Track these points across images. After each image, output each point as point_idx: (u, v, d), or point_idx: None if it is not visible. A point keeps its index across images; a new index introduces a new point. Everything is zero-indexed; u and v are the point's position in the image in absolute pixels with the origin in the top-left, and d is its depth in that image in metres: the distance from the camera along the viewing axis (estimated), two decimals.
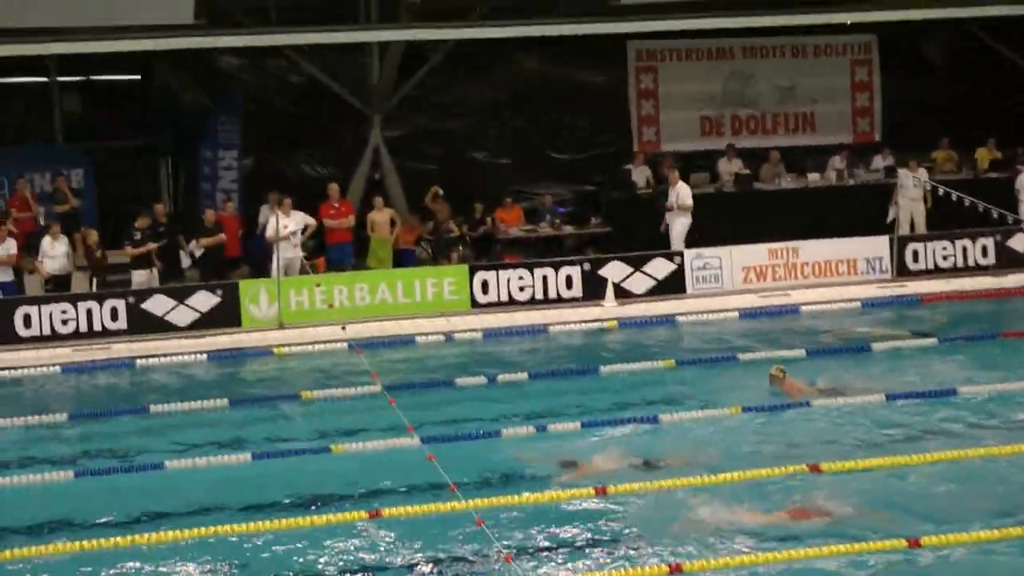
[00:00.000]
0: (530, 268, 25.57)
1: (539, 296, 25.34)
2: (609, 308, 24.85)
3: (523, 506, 13.99)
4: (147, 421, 18.54)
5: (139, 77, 31.84)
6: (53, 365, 22.01)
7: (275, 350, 22.58)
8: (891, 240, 26.57)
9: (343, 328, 23.23)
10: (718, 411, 17.35)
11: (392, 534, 13.37)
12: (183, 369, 21.87)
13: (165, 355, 22.26)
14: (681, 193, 27.06)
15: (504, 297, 25.24)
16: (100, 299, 24.06)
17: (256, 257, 27.32)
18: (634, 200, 28.98)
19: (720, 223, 27.34)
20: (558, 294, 25.38)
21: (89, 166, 29.93)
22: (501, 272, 25.43)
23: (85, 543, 13.26)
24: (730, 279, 25.92)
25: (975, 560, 12.24)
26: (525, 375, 20.00)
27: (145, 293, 24.34)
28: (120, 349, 23.10)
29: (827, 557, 12.24)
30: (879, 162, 30.44)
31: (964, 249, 26.78)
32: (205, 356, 22.30)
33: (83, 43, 25.55)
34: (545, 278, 25.42)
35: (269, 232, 25.44)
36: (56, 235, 25.11)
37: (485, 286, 25.21)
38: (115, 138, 31.90)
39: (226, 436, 17.47)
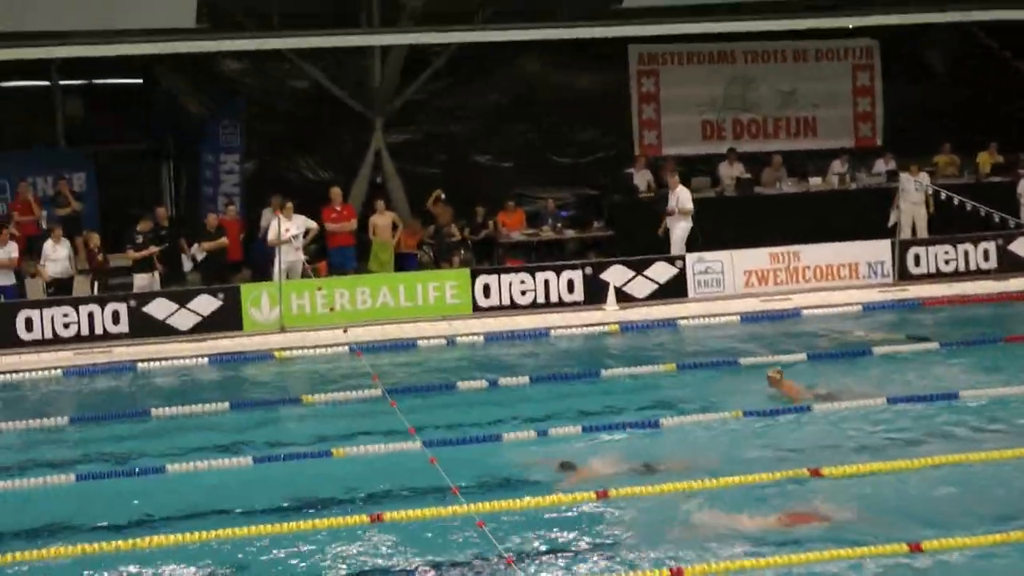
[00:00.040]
0: (532, 272, 25.58)
1: (541, 300, 25.35)
2: (611, 312, 24.85)
3: (524, 509, 13.97)
4: (148, 424, 18.54)
5: (141, 81, 31.84)
6: (55, 368, 22.00)
7: (276, 354, 22.58)
8: (893, 244, 26.57)
9: (344, 331, 23.29)
10: (719, 415, 17.34)
11: (394, 537, 13.36)
12: (184, 372, 21.86)
13: (166, 358, 22.28)
14: (681, 197, 27.06)
15: (506, 301, 25.25)
16: (102, 302, 24.07)
17: (258, 261, 27.34)
18: (636, 204, 28.99)
19: (721, 227, 27.37)
20: (560, 298, 25.39)
21: (91, 170, 30.00)
22: (503, 276, 25.44)
23: (86, 546, 13.26)
24: (731, 283, 25.94)
25: (976, 564, 12.22)
26: (527, 379, 19.99)
27: (147, 296, 24.35)
28: (121, 352, 23.11)
29: (828, 561, 12.22)
30: (881, 166, 30.44)
31: (966, 253, 26.78)
32: (206, 359, 22.29)
33: (85, 47, 25.53)
34: (547, 282, 25.43)
35: (271, 236, 25.45)
36: (58, 238, 25.14)
37: (487, 290, 25.22)
38: (117, 142, 31.93)
39: (227, 440, 17.45)
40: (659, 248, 26.78)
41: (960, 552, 12.39)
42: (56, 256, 25.03)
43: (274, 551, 13.15)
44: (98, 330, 23.85)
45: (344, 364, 21.87)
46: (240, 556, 13.10)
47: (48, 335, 23.70)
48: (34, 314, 23.74)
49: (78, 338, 23.74)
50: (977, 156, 30.73)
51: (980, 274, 26.59)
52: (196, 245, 26.40)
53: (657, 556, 12.59)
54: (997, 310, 24.39)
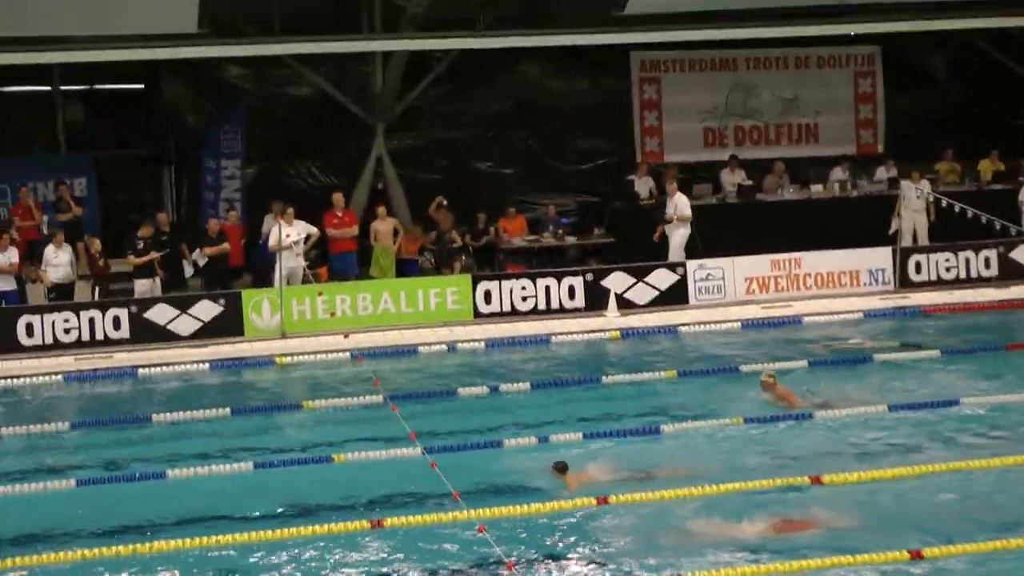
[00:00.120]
0: (533, 278, 25.57)
1: (542, 306, 25.32)
2: (611, 318, 24.85)
3: (525, 515, 13.97)
4: (149, 430, 18.54)
5: (143, 86, 31.84)
6: (55, 374, 22.03)
7: (277, 359, 22.58)
8: (894, 251, 26.56)
9: (345, 337, 23.29)
10: (720, 422, 17.34)
11: (394, 543, 13.35)
12: (185, 378, 21.87)
13: (167, 364, 22.28)
14: (679, 204, 27.05)
15: (507, 307, 25.24)
16: (103, 308, 24.06)
17: (259, 266, 27.35)
18: (637, 211, 28.98)
19: (723, 234, 27.37)
20: (561, 304, 25.37)
21: (92, 175, 29.96)
22: (504, 282, 25.42)
23: (87, 552, 13.26)
24: (732, 290, 25.93)
25: (977, 572, 12.22)
26: (527, 385, 19.99)
27: (148, 302, 24.35)
28: (122, 358, 23.10)
29: (828, 569, 12.22)
30: (882, 173, 30.44)
31: (967, 261, 26.76)
32: (207, 365, 22.31)
33: (86, 52, 25.55)
34: (548, 288, 25.41)
35: (272, 241, 25.46)
36: (60, 244, 25.14)
37: (488, 296, 25.22)
38: (118, 147, 31.93)
39: (228, 445, 17.45)
40: (660, 255, 26.78)
41: (961, 559, 12.38)
42: (57, 261, 25.04)
43: (275, 557, 13.14)
44: (99, 335, 23.84)
45: (345, 370, 21.89)
46: (241, 562, 13.09)
47: (49, 340, 23.69)
48: (35, 319, 23.73)
49: (79, 343, 23.72)
50: (979, 164, 30.72)
51: (981, 282, 26.57)
52: (197, 251, 26.40)
53: (657, 563, 12.59)
54: (998, 318, 24.39)
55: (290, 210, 25.80)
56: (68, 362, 22.87)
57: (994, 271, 26.71)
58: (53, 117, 31.05)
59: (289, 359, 22.55)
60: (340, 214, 27.26)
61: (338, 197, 27.55)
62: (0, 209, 29.07)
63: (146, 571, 12.91)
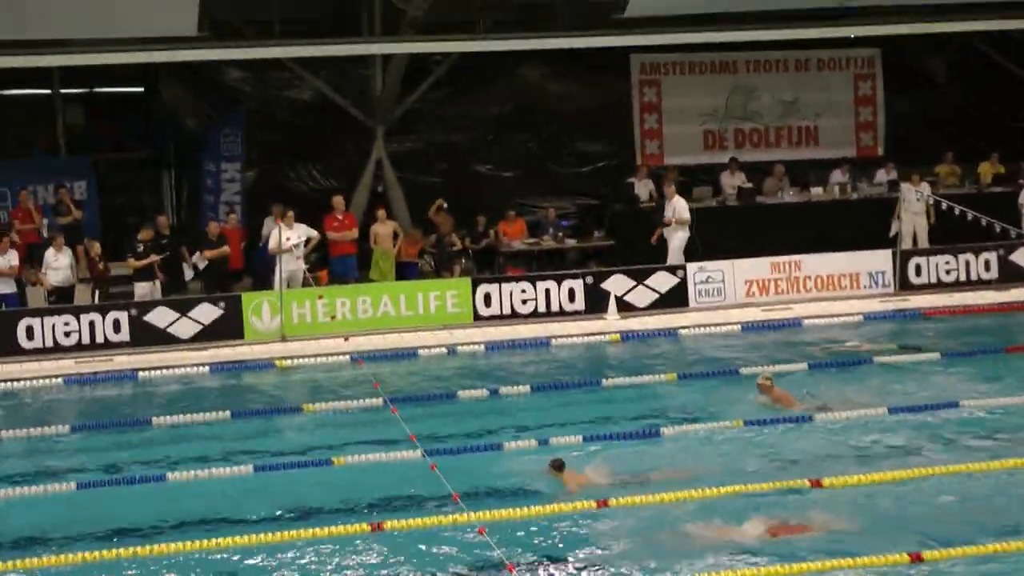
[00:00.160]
0: (533, 281, 25.57)
1: (542, 309, 25.33)
2: (612, 321, 24.85)
3: (526, 517, 13.97)
4: (149, 433, 18.54)
5: (142, 89, 31.84)
6: (55, 377, 22.03)
7: (277, 362, 22.58)
8: (894, 254, 26.56)
9: (345, 340, 23.27)
10: (720, 424, 17.34)
11: (395, 545, 13.35)
12: (185, 381, 21.86)
13: (167, 367, 22.27)
14: (678, 207, 27.05)
15: (507, 310, 25.24)
16: (103, 311, 24.07)
17: (259, 269, 27.35)
18: (637, 213, 28.97)
19: (723, 236, 27.37)
20: (561, 307, 25.37)
21: (92, 178, 29.95)
22: (504, 285, 25.43)
23: (87, 555, 13.25)
24: (733, 292, 25.93)
25: (978, 574, 12.21)
26: (527, 388, 19.99)
27: (148, 305, 24.35)
28: (122, 361, 23.11)
29: (828, 571, 12.21)
30: (882, 176, 30.43)
31: (967, 263, 26.75)
32: (207, 368, 22.31)
33: (86, 55, 25.55)
34: (548, 291, 25.42)
35: (272, 244, 25.46)
36: (60, 247, 25.14)
37: (488, 299, 25.22)
38: (118, 150, 31.92)
39: (228, 448, 17.46)
40: (660, 258, 26.78)
41: (961, 562, 12.38)
42: (58, 264, 25.03)
43: (275, 560, 13.14)
44: (99, 339, 23.84)
45: (345, 373, 21.89)
46: (241, 565, 13.09)
47: (49, 343, 23.69)
48: (35, 322, 23.74)
49: (79, 347, 23.73)
50: (979, 166, 30.70)
51: (981, 284, 26.56)
52: (197, 254, 26.40)
53: (657, 565, 12.59)
54: (998, 320, 24.38)
55: (290, 213, 25.81)
56: (68, 365, 22.87)
57: (994, 274, 26.70)
58: (53, 120, 31.05)
59: (289, 362, 22.55)
60: (340, 217, 27.26)
61: (338, 200, 27.55)
62: (0, 212, 29.06)
63: (146, 574, 12.91)
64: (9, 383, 21.68)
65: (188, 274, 26.50)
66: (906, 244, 27.41)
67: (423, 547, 13.26)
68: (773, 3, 27.57)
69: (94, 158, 30.62)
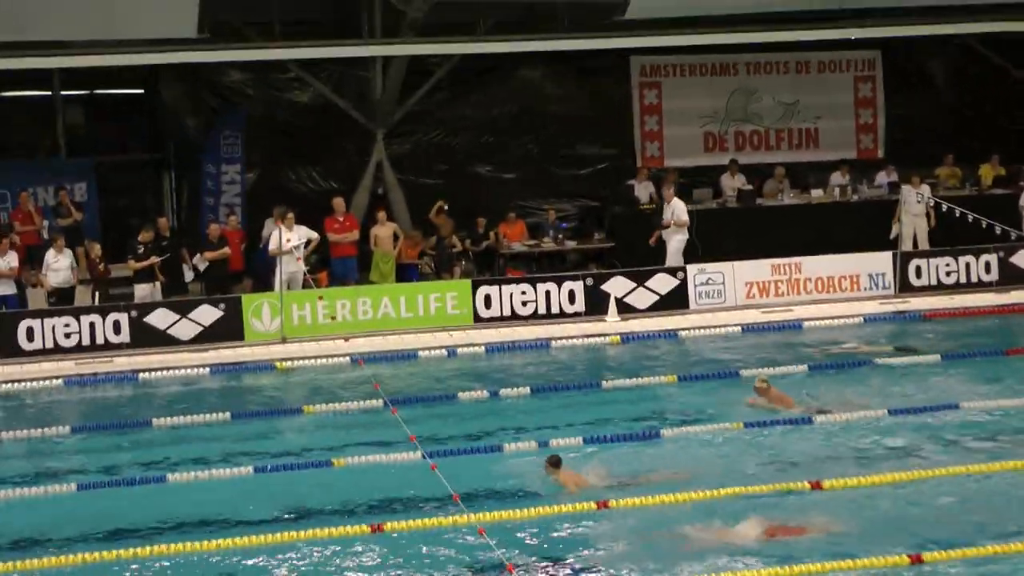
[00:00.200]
0: (533, 283, 25.56)
1: (542, 311, 25.31)
2: (612, 323, 24.83)
3: (526, 518, 13.99)
4: (149, 434, 18.55)
5: (143, 91, 31.85)
6: (56, 378, 22.03)
7: (277, 364, 22.59)
8: (894, 256, 26.55)
9: (345, 341, 23.27)
10: (720, 426, 17.35)
11: (395, 546, 13.36)
12: (186, 382, 21.87)
13: (168, 368, 22.28)
14: (676, 210, 27.02)
15: (507, 312, 25.22)
16: (103, 312, 24.05)
17: (259, 271, 27.33)
18: (637, 215, 28.97)
19: (723, 238, 27.37)
20: (561, 309, 25.36)
21: (92, 179, 29.93)
22: (504, 287, 25.41)
23: (87, 556, 13.27)
24: (733, 294, 25.91)
25: None
26: (527, 389, 19.99)
27: (148, 307, 24.34)
28: (123, 362, 23.11)
29: (828, 573, 12.22)
30: (882, 178, 30.41)
31: (967, 265, 26.73)
32: (208, 370, 22.30)
33: (87, 57, 25.55)
34: (548, 293, 25.40)
35: (272, 246, 25.45)
36: (60, 248, 25.13)
37: (488, 301, 25.20)
38: (119, 152, 31.90)
39: (228, 449, 17.46)
40: (660, 259, 26.77)
41: (961, 564, 12.38)
42: (58, 266, 25.02)
43: (275, 561, 13.15)
44: (99, 340, 23.83)
45: (345, 374, 21.88)
46: (241, 566, 13.11)
47: (49, 345, 23.68)
48: (35, 324, 23.72)
49: (79, 348, 23.71)
50: (979, 168, 30.69)
51: (981, 286, 26.54)
52: (198, 255, 26.40)
53: (656, 567, 12.61)
54: (998, 322, 24.38)
55: (290, 215, 25.80)
56: (68, 366, 22.86)
57: (994, 276, 26.68)
58: (54, 122, 31.04)
59: (289, 363, 22.56)
60: (340, 219, 27.26)
61: (338, 202, 27.55)
62: (0, 214, 29.07)
63: (146, 575, 12.92)
64: (9, 384, 21.68)
65: (188, 276, 26.49)
66: (906, 246, 27.40)
67: (423, 548, 13.28)
68: (774, 5, 27.55)
69: (95, 160, 30.60)
